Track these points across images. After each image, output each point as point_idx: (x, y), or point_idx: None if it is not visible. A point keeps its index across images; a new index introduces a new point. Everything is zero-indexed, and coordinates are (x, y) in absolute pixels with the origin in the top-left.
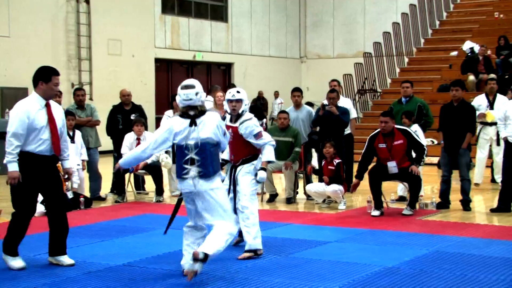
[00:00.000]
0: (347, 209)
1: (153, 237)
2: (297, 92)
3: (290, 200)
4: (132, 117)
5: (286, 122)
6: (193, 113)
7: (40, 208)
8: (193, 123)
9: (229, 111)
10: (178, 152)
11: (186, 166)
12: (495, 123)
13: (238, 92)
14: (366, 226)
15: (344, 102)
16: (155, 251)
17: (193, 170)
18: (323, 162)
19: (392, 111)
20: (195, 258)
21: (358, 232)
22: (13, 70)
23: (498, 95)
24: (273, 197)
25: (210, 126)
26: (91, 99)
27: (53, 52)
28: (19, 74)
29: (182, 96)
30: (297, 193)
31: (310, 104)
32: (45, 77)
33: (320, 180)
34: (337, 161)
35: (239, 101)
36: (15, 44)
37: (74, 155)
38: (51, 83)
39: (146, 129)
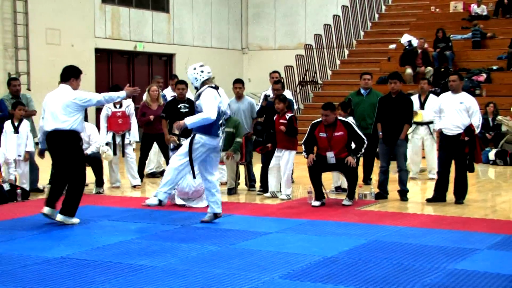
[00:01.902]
0: (288, 200)
1: (93, 229)
2: (238, 83)
3: (231, 191)
4: None
5: None
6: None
7: None
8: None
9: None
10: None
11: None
12: (426, 123)
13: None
14: (307, 216)
15: (285, 94)
16: (95, 243)
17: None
18: (274, 117)
19: (350, 103)
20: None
21: (299, 223)
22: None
23: (431, 95)
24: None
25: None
26: (28, 89)
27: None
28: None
29: (205, 70)
30: (239, 184)
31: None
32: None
33: (264, 149)
34: (289, 115)
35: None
36: None
37: (15, 146)
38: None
39: (86, 120)
